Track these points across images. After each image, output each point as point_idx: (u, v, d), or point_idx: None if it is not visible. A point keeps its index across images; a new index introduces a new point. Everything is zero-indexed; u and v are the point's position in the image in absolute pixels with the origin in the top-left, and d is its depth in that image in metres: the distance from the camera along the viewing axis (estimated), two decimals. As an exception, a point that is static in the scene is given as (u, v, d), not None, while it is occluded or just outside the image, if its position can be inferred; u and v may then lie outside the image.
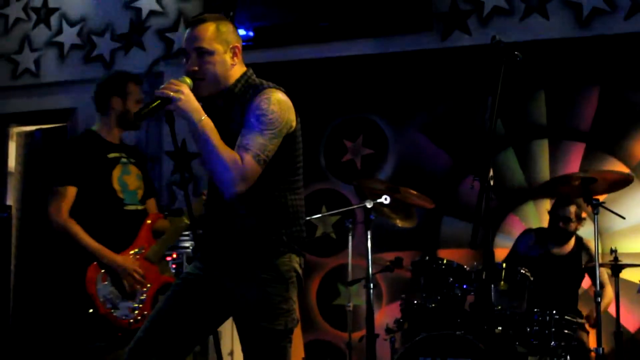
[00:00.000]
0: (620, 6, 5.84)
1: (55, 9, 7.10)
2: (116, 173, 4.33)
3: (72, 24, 7.03)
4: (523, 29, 5.99)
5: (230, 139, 2.89)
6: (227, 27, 3.05)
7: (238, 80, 3.05)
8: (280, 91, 3.01)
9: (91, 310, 4.11)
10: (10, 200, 7.32)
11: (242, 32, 6.18)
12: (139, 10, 6.87)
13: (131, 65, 6.73)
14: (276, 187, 3.02)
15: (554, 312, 4.75)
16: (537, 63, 5.88)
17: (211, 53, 2.98)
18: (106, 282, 4.15)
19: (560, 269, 5.40)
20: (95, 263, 4.14)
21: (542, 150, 6.07)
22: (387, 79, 6.38)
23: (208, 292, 3.06)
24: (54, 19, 7.10)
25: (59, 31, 7.07)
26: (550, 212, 5.52)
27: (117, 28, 6.91)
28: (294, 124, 3.02)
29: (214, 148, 2.82)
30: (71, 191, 4.19)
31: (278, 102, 2.95)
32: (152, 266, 4.32)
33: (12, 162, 7.43)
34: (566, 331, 4.77)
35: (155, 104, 2.86)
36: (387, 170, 6.39)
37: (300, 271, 3.07)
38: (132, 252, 4.27)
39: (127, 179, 4.38)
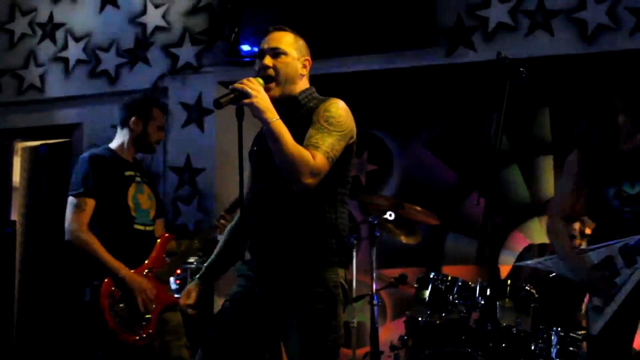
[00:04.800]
0: (625, 23, 5.82)
1: (61, 25, 7.11)
2: (131, 191, 4.37)
3: (77, 39, 7.04)
4: (528, 45, 5.98)
5: None
6: (303, 41, 3.27)
7: (304, 91, 3.22)
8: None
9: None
10: (14, 216, 7.32)
11: (246, 47, 6.17)
12: (144, 25, 6.87)
13: (136, 81, 6.74)
14: (329, 198, 3.07)
15: (559, 329, 4.73)
16: (542, 79, 5.88)
17: (286, 54, 3.16)
18: (117, 298, 4.16)
19: (565, 286, 5.36)
20: (108, 278, 4.15)
21: (547, 167, 6.06)
22: (391, 95, 6.38)
23: (257, 312, 3.04)
24: (59, 34, 7.11)
25: (64, 46, 7.07)
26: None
27: (122, 43, 6.91)
28: (355, 135, 3.14)
29: (287, 145, 2.88)
30: (91, 204, 4.22)
31: (345, 110, 3.13)
32: (161, 286, 4.34)
33: (16, 177, 7.43)
34: (571, 348, 4.74)
35: (233, 95, 2.89)
36: (391, 186, 6.39)
37: (346, 286, 3.09)
38: (144, 271, 4.29)
39: (140, 198, 4.41)
